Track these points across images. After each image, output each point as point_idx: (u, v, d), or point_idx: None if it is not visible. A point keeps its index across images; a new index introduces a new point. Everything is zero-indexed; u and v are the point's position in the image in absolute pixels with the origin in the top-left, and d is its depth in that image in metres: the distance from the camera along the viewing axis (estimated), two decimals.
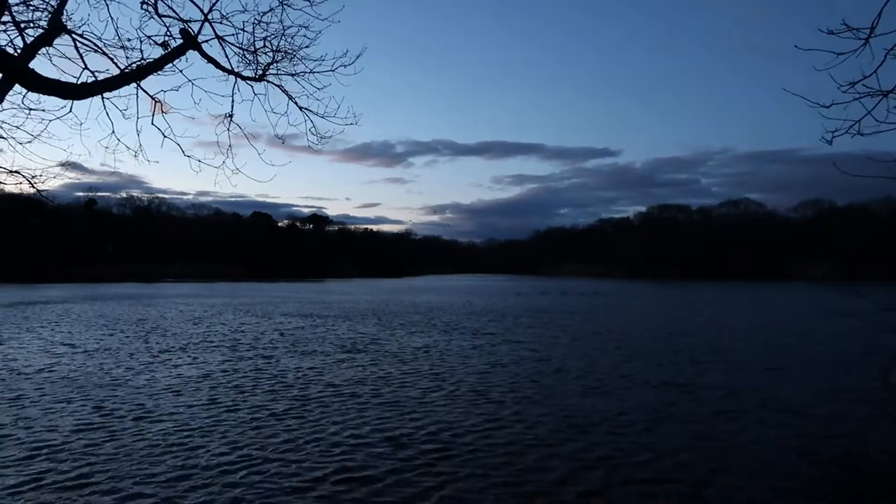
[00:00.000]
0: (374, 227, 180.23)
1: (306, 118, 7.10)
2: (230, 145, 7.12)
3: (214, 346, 15.94)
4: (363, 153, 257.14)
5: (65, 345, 16.40)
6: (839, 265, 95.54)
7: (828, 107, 4.26)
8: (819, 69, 4.27)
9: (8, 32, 5.88)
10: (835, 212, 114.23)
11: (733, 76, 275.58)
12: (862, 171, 5.00)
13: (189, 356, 14.26)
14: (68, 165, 6.99)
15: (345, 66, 6.77)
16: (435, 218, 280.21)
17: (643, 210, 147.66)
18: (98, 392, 10.25)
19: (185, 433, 7.74)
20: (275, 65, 6.75)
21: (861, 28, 4.09)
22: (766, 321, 24.71)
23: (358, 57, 6.77)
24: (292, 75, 6.83)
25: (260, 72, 6.76)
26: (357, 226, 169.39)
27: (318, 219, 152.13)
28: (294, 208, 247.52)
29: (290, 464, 6.62)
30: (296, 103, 6.99)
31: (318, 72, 6.82)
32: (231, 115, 7.02)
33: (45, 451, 7.03)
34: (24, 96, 6.07)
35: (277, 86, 6.90)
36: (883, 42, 4.10)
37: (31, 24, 6.04)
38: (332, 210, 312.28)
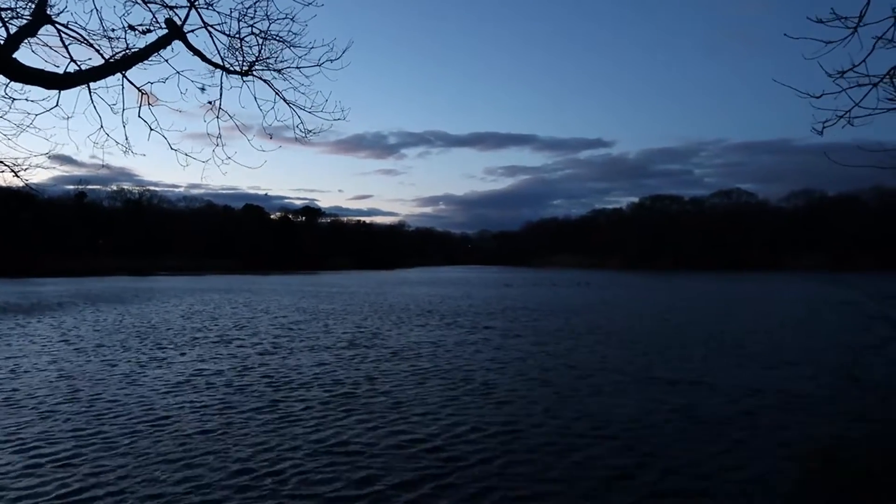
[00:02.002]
0: (367, 220, 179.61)
1: (294, 113, 7.05)
2: (219, 135, 7.07)
3: (214, 344, 15.68)
4: (355, 145, 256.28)
5: (62, 341, 16.32)
6: (830, 255, 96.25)
7: (818, 97, 4.25)
8: (808, 57, 4.27)
9: None
10: (825, 202, 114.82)
11: (726, 66, 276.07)
12: (852, 160, 5.01)
13: (189, 354, 14.03)
14: (57, 158, 6.93)
15: (331, 60, 6.71)
16: (428, 210, 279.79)
17: (636, 201, 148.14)
18: (99, 394, 10.03)
19: (190, 438, 7.43)
20: (261, 60, 6.68)
21: (849, 17, 4.08)
22: (762, 312, 24.91)
23: (344, 51, 6.71)
24: (278, 71, 6.76)
25: (246, 66, 6.69)
26: (350, 218, 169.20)
27: (311, 211, 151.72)
28: (286, 200, 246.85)
29: (295, 472, 6.30)
30: (283, 98, 6.93)
31: (304, 67, 6.75)
32: (220, 105, 6.94)
33: (46, 458, 6.77)
34: (7, 86, 5.98)
35: (264, 80, 6.83)
36: (871, 31, 4.10)
37: (15, 14, 5.95)
38: (324, 202, 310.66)
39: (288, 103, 6.97)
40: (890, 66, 4.27)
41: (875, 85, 4.09)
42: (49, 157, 6.71)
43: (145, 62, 6.05)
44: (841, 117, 4.23)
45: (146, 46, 6.03)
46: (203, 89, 6.69)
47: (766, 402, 9.15)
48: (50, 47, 6.12)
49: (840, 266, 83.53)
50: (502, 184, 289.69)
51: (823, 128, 4.33)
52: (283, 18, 6.48)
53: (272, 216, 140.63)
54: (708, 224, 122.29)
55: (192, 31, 6.33)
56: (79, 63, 6.13)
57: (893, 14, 4.06)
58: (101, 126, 6.60)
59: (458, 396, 9.70)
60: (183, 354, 13.81)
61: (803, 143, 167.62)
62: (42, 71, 5.51)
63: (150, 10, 6.22)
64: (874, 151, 4.81)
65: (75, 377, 11.15)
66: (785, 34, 4.41)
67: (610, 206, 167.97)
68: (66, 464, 6.53)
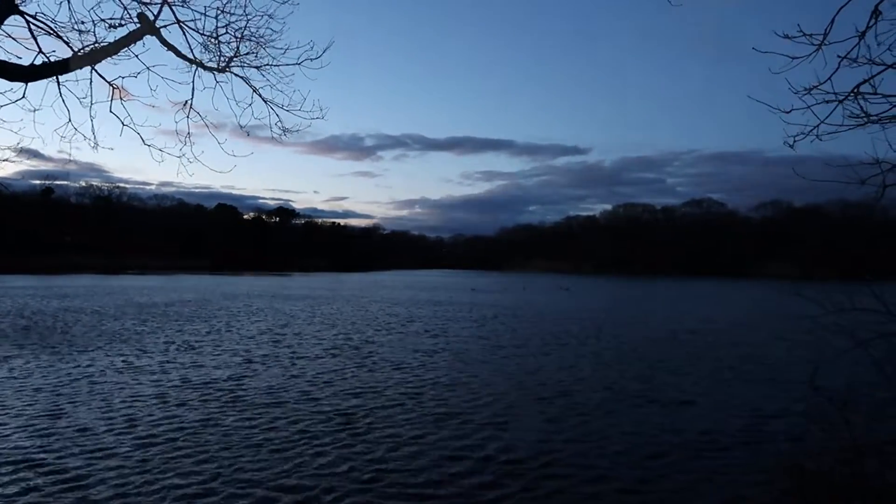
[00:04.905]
0: (342, 221, 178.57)
1: (271, 111, 6.97)
2: (189, 133, 6.94)
3: (190, 351, 14.96)
4: (331, 146, 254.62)
5: (37, 343, 15.84)
6: (796, 264, 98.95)
7: (787, 112, 4.37)
8: (775, 72, 4.39)
9: None
10: (792, 212, 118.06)
11: (702, 77, 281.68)
12: (820, 173, 5.15)
13: (162, 363, 13.41)
14: (23, 152, 6.72)
15: (311, 59, 6.68)
16: (404, 213, 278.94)
17: (609, 208, 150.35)
18: (87, 404, 9.52)
19: (147, 464, 6.67)
20: (239, 56, 6.59)
21: (815, 34, 4.21)
22: (734, 322, 25.40)
23: (325, 51, 6.68)
24: (257, 67, 6.68)
25: (223, 63, 6.59)
26: (324, 219, 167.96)
27: (285, 212, 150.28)
28: (260, 200, 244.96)
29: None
30: (260, 96, 6.85)
31: (283, 64, 6.70)
32: (191, 105, 6.83)
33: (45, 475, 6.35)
34: None
35: (241, 77, 6.74)
36: (835, 49, 4.23)
37: None
38: (299, 203, 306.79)
39: (265, 101, 6.90)
40: (854, 84, 4.41)
41: (841, 102, 4.22)
42: (15, 151, 6.52)
43: (117, 56, 5.92)
44: (810, 132, 4.35)
45: (117, 40, 5.90)
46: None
47: (738, 420, 9.03)
48: (14, 39, 5.94)
49: (804, 275, 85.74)
50: (478, 188, 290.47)
51: (794, 142, 4.46)
52: (261, 17, 6.42)
53: (245, 216, 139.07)
54: (679, 232, 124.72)
55: (165, 26, 6.21)
56: (47, 55, 5.97)
57: (857, 34, 4.20)
58: (70, 120, 6.45)
59: (455, 416, 8.96)
60: (154, 363, 13.34)
61: (773, 154, 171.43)
62: (5, 62, 5.35)
63: (122, 4, 6.09)
64: (840, 167, 4.94)
65: (42, 388, 10.36)
66: (753, 48, 4.52)
67: (584, 213, 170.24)
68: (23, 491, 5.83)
